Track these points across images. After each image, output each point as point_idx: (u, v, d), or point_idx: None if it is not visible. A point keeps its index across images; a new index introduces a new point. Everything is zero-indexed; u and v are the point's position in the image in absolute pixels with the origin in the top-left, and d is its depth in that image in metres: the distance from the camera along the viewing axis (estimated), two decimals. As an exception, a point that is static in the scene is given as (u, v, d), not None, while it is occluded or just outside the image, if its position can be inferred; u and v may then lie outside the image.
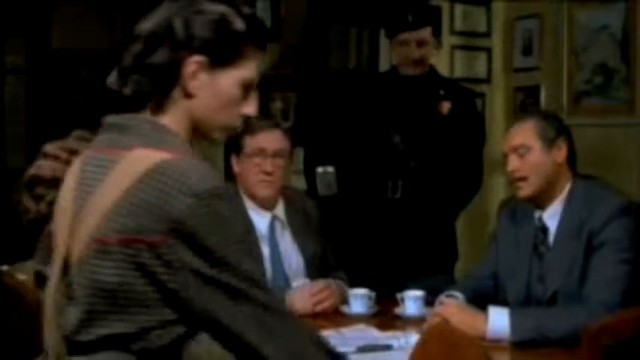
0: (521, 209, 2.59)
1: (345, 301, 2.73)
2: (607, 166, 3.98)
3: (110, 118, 1.53)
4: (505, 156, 2.51)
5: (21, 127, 5.59)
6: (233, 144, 2.86)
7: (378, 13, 3.82)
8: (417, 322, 2.48)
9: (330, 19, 5.22)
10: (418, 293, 2.66)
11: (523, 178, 2.46)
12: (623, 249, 2.33)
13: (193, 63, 1.48)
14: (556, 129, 2.49)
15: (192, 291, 1.37)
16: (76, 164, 1.54)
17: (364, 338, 2.31)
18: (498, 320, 2.25)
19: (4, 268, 2.01)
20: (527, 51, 4.81)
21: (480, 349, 1.84)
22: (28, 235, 1.98)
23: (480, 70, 4.94)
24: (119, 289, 1.37)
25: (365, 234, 3.36)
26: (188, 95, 1.50)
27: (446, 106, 3.35)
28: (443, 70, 4.27)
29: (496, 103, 4.94)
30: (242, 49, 1.52)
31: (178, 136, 1.50)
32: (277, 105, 4.93)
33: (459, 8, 4.84)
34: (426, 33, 3.29)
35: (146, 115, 1.51)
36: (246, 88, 1.54)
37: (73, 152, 1.95)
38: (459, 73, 4.76)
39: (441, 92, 3.37)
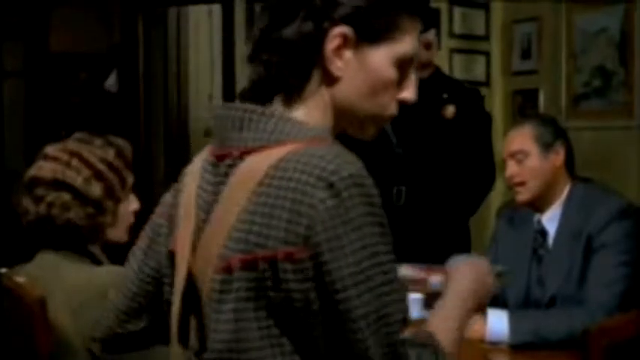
0: (520, 212, 2.59)
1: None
2: (606, 168, 3.98)
3: (223, 109, 1.20)
4: (503, 161, 2.52)
5: (20, 129, 5.59)
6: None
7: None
8: (416, 324, 2.47)
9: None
10: (417, 295, 2.65)
11: (522, 183, 2.46)
12: (622, 251, 2.33)
13: (337, 37, 1.16)
14: (553, 133, 2.49)
15: (303, 307, 1.10)
16: (195, 166, 1.26)
17: (363, 341, 2.30)
18: (497, 323, 2.25)
19: (4, 270, 2.00)
20: (525, 54, 4.82)
21: (479, 351, 1.84)
22: (28, 237, 1.98)
23: (479, 73, 4.94)
24: (236, 338, 1.11)
25: None
26: (331, 78, 1.18)
27: (450, 110, 3.34)
28: (442, 73, 4.26)
29: (495, 106, 4.94)
30: (396, 19, 1.20)
31: (316, 129, 1.17)
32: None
33: (457, 11, 4.85)
34: (431, 35, 3.30)
35: (275, 106, 1.20)
36: (403, 67, 1.22)
37: (74, 154, 1.95)
38: (457, 76, 4.74)
39: (445, 96, 3.36)
